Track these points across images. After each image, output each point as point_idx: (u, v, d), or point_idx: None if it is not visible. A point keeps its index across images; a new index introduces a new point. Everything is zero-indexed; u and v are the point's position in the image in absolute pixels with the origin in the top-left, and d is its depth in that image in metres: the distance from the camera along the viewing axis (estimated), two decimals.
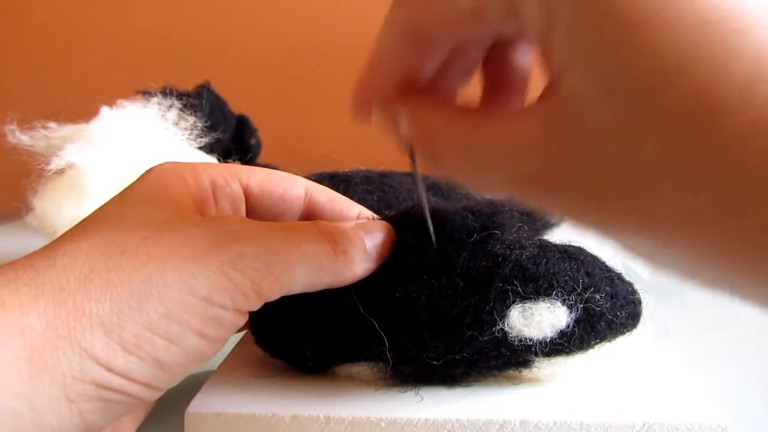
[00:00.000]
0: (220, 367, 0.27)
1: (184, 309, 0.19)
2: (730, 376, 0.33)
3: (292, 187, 0.27)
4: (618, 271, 0.26)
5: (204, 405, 0.24)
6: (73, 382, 0.18)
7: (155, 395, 0.21)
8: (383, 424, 0.23)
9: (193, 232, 0.21)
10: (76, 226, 0.22)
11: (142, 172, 0.25)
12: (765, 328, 0.41)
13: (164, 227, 0.21)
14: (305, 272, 0.22)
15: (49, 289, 0.19)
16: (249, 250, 0.21)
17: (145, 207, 0.22)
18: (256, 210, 0.27)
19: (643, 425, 0.22)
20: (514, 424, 0.23)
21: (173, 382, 0.21)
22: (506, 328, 0.24)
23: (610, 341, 0.25)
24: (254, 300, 0.21)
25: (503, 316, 0.24)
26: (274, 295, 0.22)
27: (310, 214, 0.28)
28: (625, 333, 0.25)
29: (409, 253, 0.25)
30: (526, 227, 0.27)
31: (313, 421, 0.23)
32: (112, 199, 0.23)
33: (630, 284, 0.26)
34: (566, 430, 0.23)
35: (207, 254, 0.20)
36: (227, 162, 0.53)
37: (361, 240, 0.24)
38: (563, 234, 0.31)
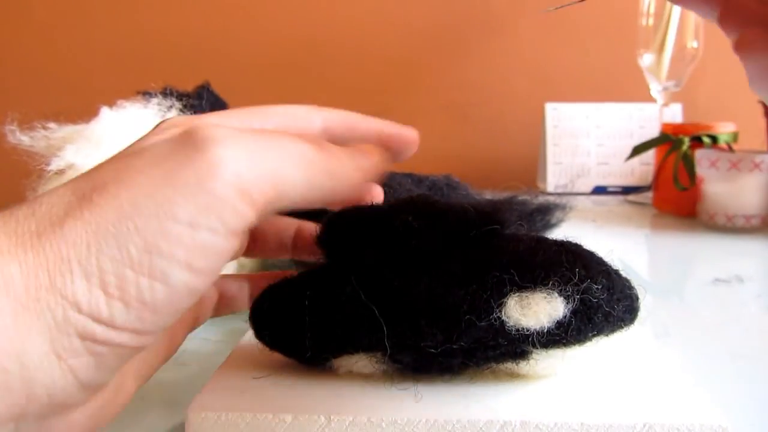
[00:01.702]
0: (221, 367, 0.27)
1: (165, 239, 0.17)
2: (730, 376, 0.33)
3: (308, 126, 0.25)
4: (615, 267, 0.26)
5: (205, 405, 0.24)
6: (59, 336, 0.17)
7: (146, 341, 0.19)
8: (384, 425, 0.23)
9: (159, 148, 0.19)
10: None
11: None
12: (765, 328, 0.41)
13: (132, 154, 0.19)
14: (296, 170, 0.20)
15: (29, 237, 0.17)
16: (227, 153, 0.18)
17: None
18: None
19: (644, 426, 0.22)
20: (515, 425, 0.23)
21: (164, 324, 0.19)
22: (503, 317, 0.24)
23: (607, 335, 0.25)
24: (247, 212, 0.19)
25: (500, 305, 0.24)
26: (268, 200, 0.19)
27: (331, 140, 0.26)
28: (622, 327, 0.25)
29: (409, 239, 0.25)
30: (525, 225, 0.27)
31: (313, 422, 0.23)
32: None
33: (627, 280, 0.26)
34: (567, 430, 0.23)
35: (179, 169, 0.18)
36: None
37: (346, 149, 0.23)
38: (563, 234, 0.31)
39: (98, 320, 0.17)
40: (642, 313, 0.26)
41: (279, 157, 0.20)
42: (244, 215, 0.19)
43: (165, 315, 0.18)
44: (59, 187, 0.19)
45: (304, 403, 0.24)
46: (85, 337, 0.17)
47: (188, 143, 0.19)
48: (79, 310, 0.17)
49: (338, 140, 0.25)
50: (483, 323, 0.24)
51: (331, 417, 0.23)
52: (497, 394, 0.25)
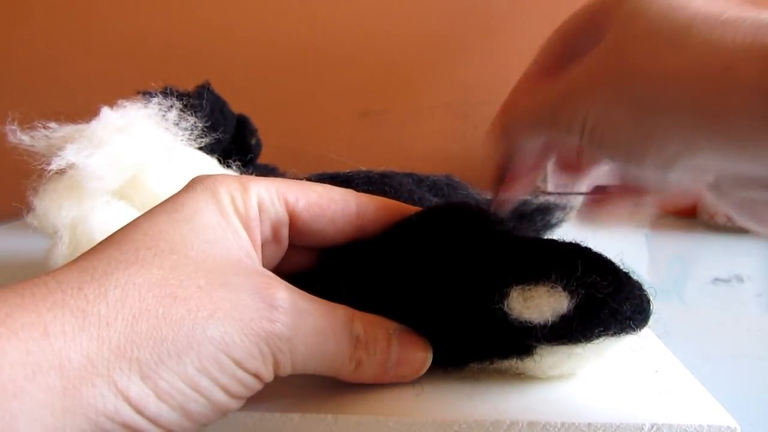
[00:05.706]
0: None
1: (216, 366, 0.20)
2: (730, 376, 0.33)
3: (342, 211, 0.27)
4: (625, 270, 0.26)
5: None
6: (104, 420, 0.18)
7: None
8: (391, 424, 0.23)
9: (243, 297, 0.21)
10: (128, 242, 0.21)
11: (189, 181, 0.25)
12: (765, 328, 0.41)
13: (217, 279, 0.21)
14: (317, 367, 0.23)
15: (96, 322, 0.19)
16: (285, 334, 0.22)
17: (202, 242, 0.22)
18: (303, 233, 0.27)
19: (652, 426, 0.22)
20: (522, 425, 0.23)
21: (192, 430, 0.21)
22: (506, 309, 0.23)
23: (615, 334, 0.24)
24: (270, 372, 0.22)
25: (503, 296, 0.24)
26: (284, 374, 0.22)
27: (362, 229, 0.28)
28: (632, 328, 0.24)
29: (407, 231, 0.26)
30: (529, 227, 0.27)
31: (320, 421, 0.23)
32: (165, 213, 0.23)
33: (638, 282, 0.26)
34: (574, 431, 0.23)
35: (250, 323, 0.21)
36: (227, 162, 0.53)
37: (385, 358, 0.25)
38: (563, 235, 0.31)
39: (143, 415, 0.19)
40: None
41: (313, 357, 0.23)
42: (268, 373, 0.22)
43: (198, 424, 0.21)
44: (134, 271, 0.20)
45: (311, 402, 0.24)
46: (127, 426, 0.19)
47: (268, 309, 0.22)
48: (129, 403, 0.19)
49: (371, 223, 0.27)
50: (485, 314, 0.24)
51: (339, 416, 0.23)
52: (505, 394, 0.25)
